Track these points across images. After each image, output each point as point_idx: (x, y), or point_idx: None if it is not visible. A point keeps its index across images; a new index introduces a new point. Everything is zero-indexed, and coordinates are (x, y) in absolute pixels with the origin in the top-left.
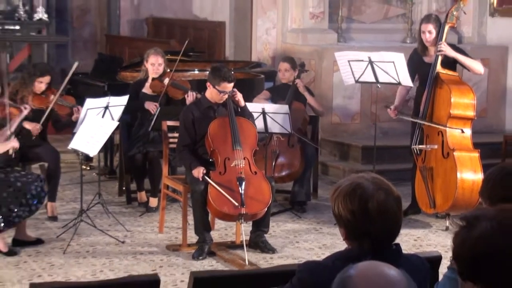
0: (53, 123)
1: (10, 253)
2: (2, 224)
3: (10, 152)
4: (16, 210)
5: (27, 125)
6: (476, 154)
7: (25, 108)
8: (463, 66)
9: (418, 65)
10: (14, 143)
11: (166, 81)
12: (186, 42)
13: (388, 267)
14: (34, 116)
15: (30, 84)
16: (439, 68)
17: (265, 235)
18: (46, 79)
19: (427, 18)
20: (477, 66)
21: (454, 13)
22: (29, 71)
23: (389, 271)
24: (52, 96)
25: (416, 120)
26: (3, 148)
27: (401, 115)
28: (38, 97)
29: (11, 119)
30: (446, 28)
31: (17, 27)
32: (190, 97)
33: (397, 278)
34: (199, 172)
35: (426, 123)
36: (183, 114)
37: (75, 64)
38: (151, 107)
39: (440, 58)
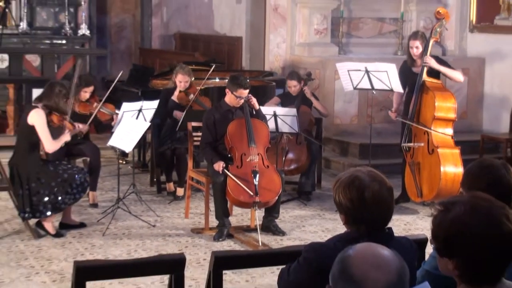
0: (95, 126)
1: (58, 235)
2: (50, 211)
3: (62, 145)
4: (62, 197)
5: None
6: (457, 151)
7: (79, 128)
8: (446, 76)
9: (408, 75)
10: (67, 137)
11: (191, 97)
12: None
13: (382, 248)
14: (79, 120)
15: (77, 92)
16: (425, 77)
17: (275, 220)
18: (90, 89)
19: (414, 35)
20: (457, 75)
21: (438, 29)
22: (76, 83)
23: (383, 251)
24: (95, 104)
25: (412, 123)
26: (61, 142)
27: (400, 117)
28: (83, 104)
29: (65, 130)
30: (431, 42)
31: (64, 42)
32: None
33: (390, 258)
34: (219, 166)
35: (420, 126)
36: (206, 116)
37: (120, 73)
38: (178, 114)
39: (426, 69)
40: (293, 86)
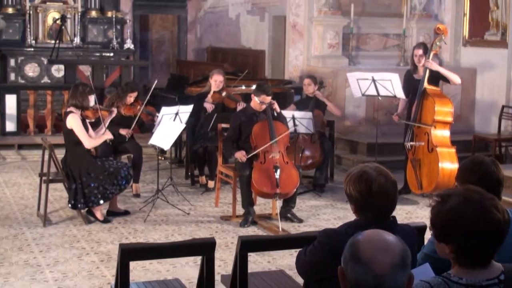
0: (139, 126)
1: (105, 221)
2: (100, 200)
3: (107, 141)
4: (109, 188)
5: (122, 131)
6: (453, 150)
7: (113, 110)
8: (445, 77)
9: (411, 82)
10: (108, 135)
11: (224, 94)
12: (246, 71)
13: (387, 233)
14: (126, 121)
15: (124, 97)
16: (426, 84)
17: (292, 209)
18: (135, 94)
19: (418, 45)
20: (455, 77)
21: (438, 43)
22: (123, 88)
23: (388, 236)
24: (138, 106)
25: (410, 123)
26: (100, 140)
27: (402, 120)
28: (129, 107)
29: (103, 119)
30: (431, 54)
31: (111, 54)
32: (241, 106)
33: (394, 242)
34: (242, 153)
35: (421, 125)
36: (233, 118)
37: (155, 81)
38: (208, 106)
39: (427, 76)
40: (307, 84)
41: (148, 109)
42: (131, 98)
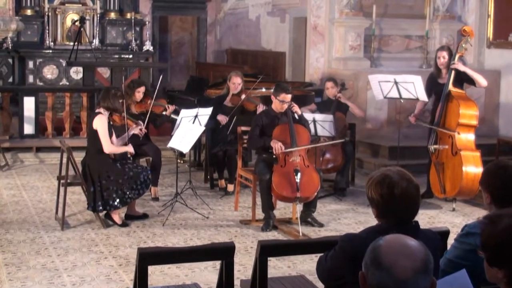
0: (153, 122)
1: (124, 224)
2: (118, 204)
3: (129, 155)
4: (128, 192)
5: (134, 131)
6: (478, 154)
7: (139, 123)
8: (470, 79)
9: (434, 86)
10: (129, 149)
11: (243, 97)
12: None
13: (409, 238)
14: (139, 118)
15: (132, 94)
16: (450, 87)
17: (313, 214)
18: (142, 88)
19: (442, 47)
20: (482, 79)
21: (463, 45)
22: (129, 85)
23: (410, 241)
24: (149, 101)
25: (433, 127)
26: (120, 150)
27: (419, 121)
28: (139, 104)
29: (128, 128)
30: (457, 56)
31: (130, 56)
32: (260, 108)
33: (416, 247)
34: (276, 142)
35: (444, 130)
36: (255, 119)
37: (160, 77)
38: (221, 118)
39: (452, 79)
40: (330, 87)
41: (158, 101)
42: (139, 93)
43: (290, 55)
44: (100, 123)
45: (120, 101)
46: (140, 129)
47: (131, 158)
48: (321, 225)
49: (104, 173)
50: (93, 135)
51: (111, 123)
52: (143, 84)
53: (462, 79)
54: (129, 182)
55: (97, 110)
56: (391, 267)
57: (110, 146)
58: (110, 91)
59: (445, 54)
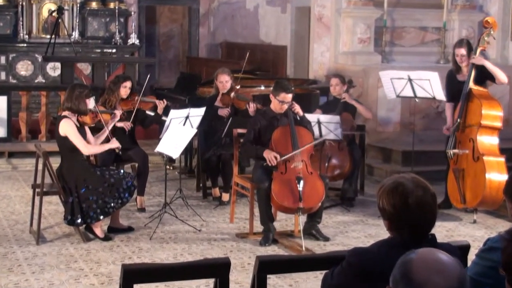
0: (141, 121)
1: (106, 238)
2: (99, 215)
3: (117, 151)
4: (110, 202)
5: (119, 124)
6: (502, 159)
7: (115, 113)
8: (491, 75)
9: (454, 83)
10: (114, 144)
11: (232, 95)
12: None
13: (443, 253)
14: (125, 117)
15: (117, 90)
16: (471, 84)
17: (318, 225)
18: (128, 83)
19: (460, 43)
20: (501, 75)
21: (486, 38)
22: (114, 80)
23: (445, 257)
24: (136, 98)
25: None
26: (103, 148)
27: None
28: (125, 101)
29: (106, 124)
30: (478, 50)
31: (114, 50)
32: (251, 107)
33: (452, 264)
34: (269, 152)
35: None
36: (252, 122)
37: (148, 76)
38: (224, 112)
39: (472, 75)
40: (335, 84)
41: (146, 97)
42: (126, 88)
43: (291, 49)
44: (68, 127)
45: (87, 100)
46: (122, 117)
47: (113, 162)
48: (326, 238)
49: (81, 182)
50: (63, 142)
51: (82, 125)
52: (129, 79)
53: (485, 76)
54: (111, 190)
55: (62, 114)
56: (422, 284)
57: (88, 147)
58: (74, 91)
59: (463, 51)
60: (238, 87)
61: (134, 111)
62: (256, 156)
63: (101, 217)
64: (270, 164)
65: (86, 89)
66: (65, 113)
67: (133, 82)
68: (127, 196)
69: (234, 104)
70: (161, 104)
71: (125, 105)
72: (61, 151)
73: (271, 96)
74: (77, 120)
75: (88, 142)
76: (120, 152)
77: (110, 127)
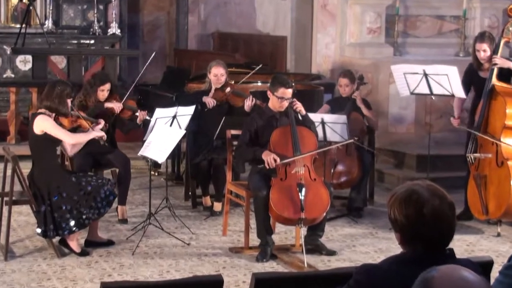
0: (120, 127)
1: (83, 253)
2: (74, 227)
3: (102, 142)
4: (86, 212)
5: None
6: None
7: (99, 122)
8: None
9: (474, 79)
10: (98, 132)
11: (228, 90)
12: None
13: (468, 271)
14: (106, 128)
15: (93, 93)
16: (494, 80)
17: (320, 239)
18: (107, 86)
19: (481, 37)
20: None
21: (510, 28)
22: (90, 82)
23: (470, 275)
24: (115, 101)
25: (477, 134)
26: (86, 137)
27: (463, 125)
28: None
29: (84, 131)
30: (502, 42)
31: (92, 42)
32: (249, 101)
33: (477, 282)
34: (268, 154)
35: (486, 137)
36: (248, 122)
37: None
38: (208, 100)
39: (495, 71)
40: (344, 84)
41: (127, 103)
42: (103, 92)
43: (292, 41)
44: (45, 121)
45: (68, 100)
46: (105, 124)
47: (91, 168)
48: (331, 253)
49: (54, 189)
50: (38, 143)
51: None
52: (107, 81)
53: (510, 72)
54: (87, 199)
55: (38, 111)
56: None
57: (72, 136)
58: (56, 88)
59: (485, 47)
60: (232, 82)
61: (113, 117)
62: (253, 159)
63: (76, 229)
64: (268, 167)
65: (68, 88)
66: (42, 111)
67: (113, 83)
68: (105, 206)
69: (230, 101)
70: (140, 115)
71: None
72: (33, 153)
73: (269, 93)
74: (54, 121)
75: (63, 147)
76: (106, 144)
77: (91, 136)
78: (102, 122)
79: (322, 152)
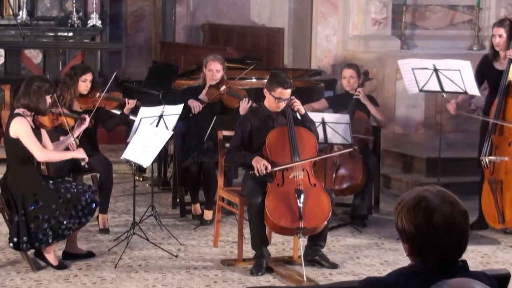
0: (104, 122)
1: (60, 266)
2: (51, 238)
3: (82, 163)
4: (65, 222)
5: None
6: None
7: (84, 118)
8: None
9: (488, 72)
10: (79, 154)
11: (223, 88)
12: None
13: (482, 285)
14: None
15: (74, 85)
16: (511, 76)
17: (321, 250)
18: (89, 76)
19: (500, 22)
20: None
21: None
22: (70, 74)
23: None
24: (97, 94)
25: (484, 118)
26: (64, 156)
27: (462, 111)
28: (85, 98)
29: (69, 129)
30: None
31: (70, 34)
32: (244, 103)
33: None
34: (259, 160)
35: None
36: (241, 122)
37: (114, 73)
38: (194, 104)
39: None
40: (349, 76)
41: (112, 94)
42: (86, 82)
43: (290, 33)
44: (20, 128)
45: (48, 97)
46: (90, 120)
47: (69, 173)
48: (333, 266)
49: (30, 197)
50: (11, 146)
51: (38, 127)
52: (89, 70)
53: None
54: (66, 207)
55: (16, 111)
56: None
57: (45, 153)
58: (33, 85)
59: (502, 31)
60: (233, 79)
61: (94, 109)
62: (244, 165)
63: (54, 240)
64: (258, 175)
65: (47, 84)
66: (20, 110)
67: (95, 74)
68: (86, 215)
69: (224, 101)
70: (129, 104)
71: (84, 103)
72: (8, 157)
73: (265, 91)
74: (33, 120)
75: (44, 148)
76: (86, 166)
77: (75, 134)
78: (87, 118)
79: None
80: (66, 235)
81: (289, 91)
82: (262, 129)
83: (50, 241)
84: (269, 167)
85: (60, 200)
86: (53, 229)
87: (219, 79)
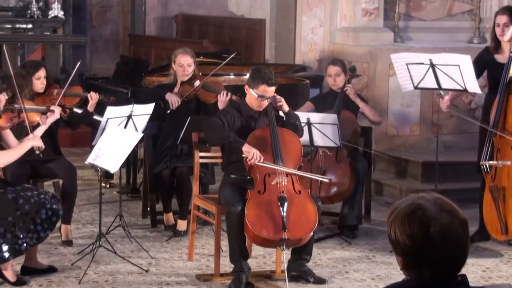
0: (67, 122)
1: (19, 282)
2: (7, 254)
3: (37, 152)
4: (22, 236)
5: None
6: None
7: (52, 110)
8: None
9: (488, 65)
10: (35, 141)
11: (197, 84)
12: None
13: None
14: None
15: (28, 85)
16: None
17: (307, 264)
18: (42, 72)
19: (504, 10)
20: None
21: None
22: (21, 73)
23: None
24: (56, 91)
25: (482, 125)
26: (19, 151)
27: (454, 108)
28: (42, 97)
29: (30, 126)
30: None
31: (30, 26)
32: (223, 97)
33: None
34: (252, 147)
35: (498, 133)
36: (225, 111)
37: (78, 63)
38: (173, 99)
39: None
40: (335, 74)
41: (71, 90)
42: (40, 80)
43: (272, 25)
44: None
45: (1, 96)
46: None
47: (29, 179)
48: (320, 281)
49: None
50: None
51: None
52: (41, 66)
53: None
54: (25, 220)
55: None
56: None
57: (1, 154)
58: None
59: (506, 19)
60: (206, 75)
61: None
62: (223, 142)
63: (10, 256)
64: (249, 162)
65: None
66: None
67: (48, 69)
68: (45, 230)
69: (199, 97)
70: (92, 99)
71: (42, 102)
72: None
73: (247, 88)
74: None
75: (8, 145)
76: (42, 155)
77: (40, 131)
78: (57, 108)
79: (308, 159)
80: (23, 250)
81: (273, 88)
82: (243, 130)
83: (6, 256)
84: (262, 158)
85: (17, 212)
86: (9, 244)
87: (191, 74)
